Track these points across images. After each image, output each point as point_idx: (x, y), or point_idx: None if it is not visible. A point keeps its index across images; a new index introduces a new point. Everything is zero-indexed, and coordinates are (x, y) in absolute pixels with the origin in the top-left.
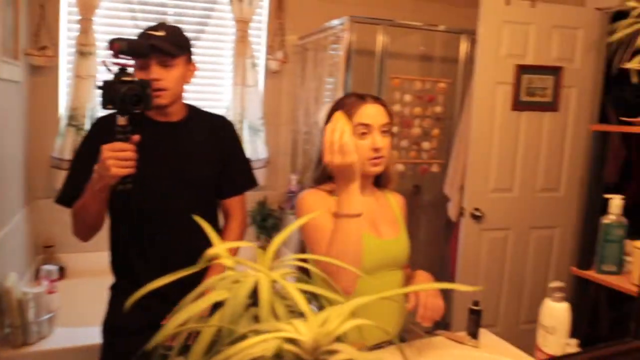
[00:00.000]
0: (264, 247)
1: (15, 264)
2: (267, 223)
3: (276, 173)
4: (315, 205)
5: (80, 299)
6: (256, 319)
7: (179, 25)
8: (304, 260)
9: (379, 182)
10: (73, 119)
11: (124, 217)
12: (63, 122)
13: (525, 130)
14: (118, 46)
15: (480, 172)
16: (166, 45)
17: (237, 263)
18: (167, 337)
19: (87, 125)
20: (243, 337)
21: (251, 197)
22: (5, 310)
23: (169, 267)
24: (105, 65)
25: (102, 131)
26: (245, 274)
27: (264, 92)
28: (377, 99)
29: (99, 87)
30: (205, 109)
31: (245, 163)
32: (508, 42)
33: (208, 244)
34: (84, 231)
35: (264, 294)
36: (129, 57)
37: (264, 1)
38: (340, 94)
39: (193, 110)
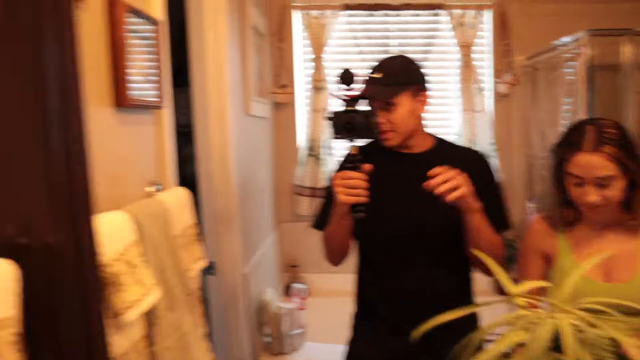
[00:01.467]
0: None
1: (269, 280)
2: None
3: (510, 200)
4: (530, 238)
5: (325, 317)
6: None
7: (407, 55)
8: None
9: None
10: (312, 150)
11: (366, 248)
12: (302, 152)
13: None
14: (340, 77)
15: None
16: (380, 89)
17: (526, 302)
18: None
19: (324, 155)
20: None
21: None
22: (265, 321)
23: (410, 303)
24: (339, 98)
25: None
26: (542, 315)
27: (494, 116)
28: (600, 147)
29: (328, 118)
30: (456, 143)
31: (500, 202)
32: None
33: (452, 282)
34: (332, 256)
35: (568, 340)
36: (352, 88)
37: (486, 24)
38: (581, 117)
39: (441, 142)
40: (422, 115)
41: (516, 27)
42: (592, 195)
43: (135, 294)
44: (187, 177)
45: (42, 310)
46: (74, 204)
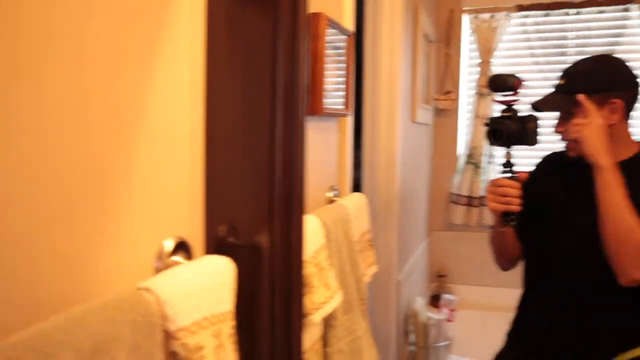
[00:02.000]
0: None
1: (418, 289)
2: None
3: None
4: None
5: (473, 331)
6: None
7: (612, 56)
8: None
9: None
10: (471, 157)
11: (530, 263)
12: (461, 160)
13: None
14: (487, 82)
15: None
16: (557, 97)
17: None
18: None
19: (484, 163)
20: None
21: None
22: (411, 330)
23: (568, 334)
24: (503, 103)
25: (545, 167)
26: None
27: None
28: None
29: (485, 124)
30: None
31: None
32: None
33: (624, 315)
34: (495, 259)
35: None
36: (510, 93)
37: None
38: None
39: None
40: (619, 123)
41: None
42: None
43: (322, 296)
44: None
45: (247, 305)
46: (289, 206)
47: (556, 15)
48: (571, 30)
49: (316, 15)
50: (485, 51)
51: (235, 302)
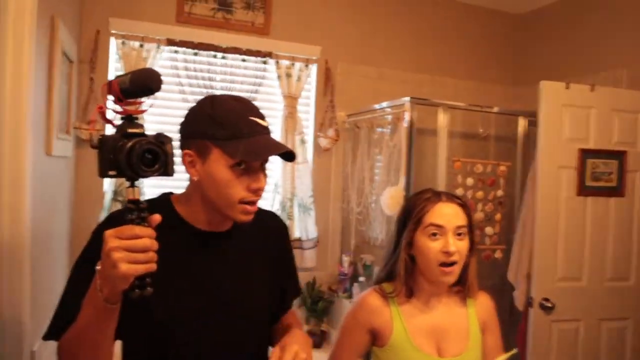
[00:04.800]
0: (313, 332)
1: None
2: (317, 306)
3: (325, 253)
4: (361, 313)
5: None
6: None
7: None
8: None
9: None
10: (118, 194)
11: (144, 352)
12: (108, 196)
13: (592, 216)
14: (117, 84)
15: (547, 260)
16: (273, 139)
17: None
18: None
19: None
20: None
21: (300, 278)
22: None
23: None
24: (104, 118)
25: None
26: None
27: (313, 169)
28: (453, 198)
29: (94, 147)
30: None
31: (295, 271)
32: (569, 126)
33: None
34: None
35: None
36: (137, 100)
37: (312, 77)
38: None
39: None
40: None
41: (340, 84)
42: (452, 246)
43: None
44: None
45: None
46: None
47: (204, 56)
48: (218, 72)
49: None
50: None
51: None
